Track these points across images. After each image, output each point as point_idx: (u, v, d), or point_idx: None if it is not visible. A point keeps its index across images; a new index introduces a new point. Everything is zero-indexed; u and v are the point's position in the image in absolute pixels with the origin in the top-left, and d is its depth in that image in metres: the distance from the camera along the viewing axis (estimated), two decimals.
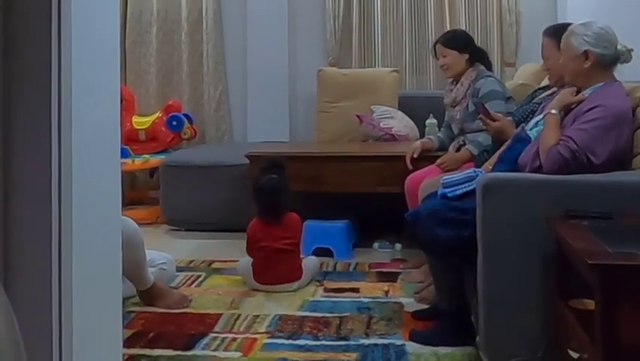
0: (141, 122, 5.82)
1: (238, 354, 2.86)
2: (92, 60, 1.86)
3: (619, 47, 2.70)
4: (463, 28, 5.70)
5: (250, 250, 3.77)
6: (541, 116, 2.88)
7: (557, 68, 2.99)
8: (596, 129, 2.57)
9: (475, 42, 4.30)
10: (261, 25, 5.96)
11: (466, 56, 4.00)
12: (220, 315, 3.30)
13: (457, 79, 4.05)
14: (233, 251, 4.11)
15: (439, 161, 3.88)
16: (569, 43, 2.75)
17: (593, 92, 2.69)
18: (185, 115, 5.85)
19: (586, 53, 2.70)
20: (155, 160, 5.52)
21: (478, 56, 4.06)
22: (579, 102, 2.72)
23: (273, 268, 3.68)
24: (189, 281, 3.88)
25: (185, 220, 5.10)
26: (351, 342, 2.95)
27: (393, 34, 5.97)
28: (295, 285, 3.69)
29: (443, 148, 4.15)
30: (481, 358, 2.68)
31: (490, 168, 3.04)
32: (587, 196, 2.43)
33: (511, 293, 2.49)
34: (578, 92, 2.77)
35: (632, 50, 2.71)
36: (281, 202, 3.81)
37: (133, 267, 3.29)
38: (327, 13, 5.97)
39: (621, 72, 2.79)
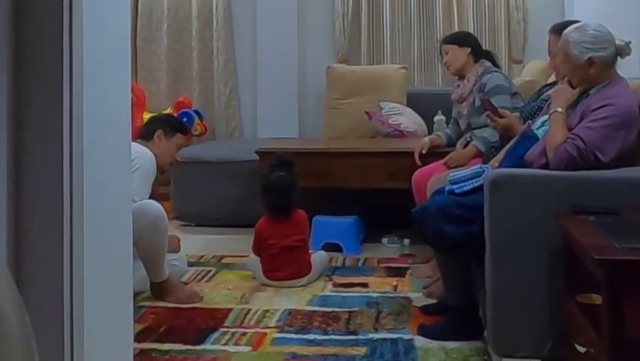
0: None
1: (248, 348, 2.88)
2: (103, 57, 1.87)
3: (617, 42, 2.68)
4: (471, 25, 5.75)
5: (259, 248, 3.78)
6: (547, 115, 2.87)
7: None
8: (605, 128, 2.57)
9: (482, 43, 4.31)
10: (270, 22, 5.97)
11: (467, 50, 4.01)
12: (230, 310, 3.32)
13: (462, 75, 4.05)
14: (243, 246, 4.12)
15: (445, 159, 3.89)
16: (570, 54, 2.71)
17: (600, 91, 2.68)
18: (196, 111, 5.86)
19: (589, 60, 2.66)
20: None
21: (482, 53, 4.07)
22: (581, 94, 2.72)
23: (283, 265, 3.69)
24: (199, 276, 3.91)
25: (196, 216, 5.12)
26: (360, 336, 2.97)
27: (401, 31, 5.98)
28: (304, 280, 3.71)
29: (451, 144, 4.15)
30: (488, 352, 2.70)
31: (497, 164, 3.04)
32: (594, 192, 2.43)
33: (518, 288, 2.50)
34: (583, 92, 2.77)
35: (630, 42, 2.69)
36: (289, 200, 3.82)
37: (153, 254, 3.28)
38: (337, 10, 5.98)
39: (625, 71, 2.79)
